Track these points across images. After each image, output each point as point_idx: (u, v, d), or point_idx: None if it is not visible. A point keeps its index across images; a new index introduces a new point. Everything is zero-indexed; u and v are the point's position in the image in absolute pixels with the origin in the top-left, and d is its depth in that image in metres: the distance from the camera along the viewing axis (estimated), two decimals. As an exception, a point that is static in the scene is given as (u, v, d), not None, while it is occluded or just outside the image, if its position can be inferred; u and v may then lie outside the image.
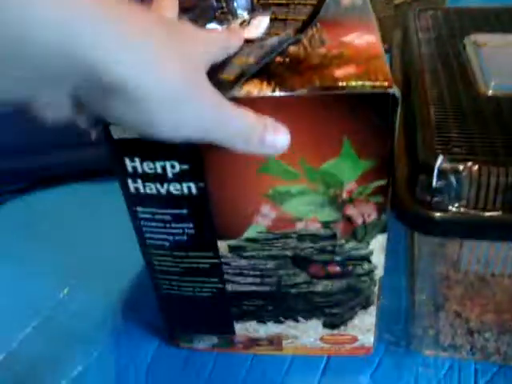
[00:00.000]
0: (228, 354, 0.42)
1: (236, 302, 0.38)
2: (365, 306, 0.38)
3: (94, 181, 0.62)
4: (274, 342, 0.41)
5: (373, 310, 0.38)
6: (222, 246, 0.35)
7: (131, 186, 0.33)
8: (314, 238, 0.34)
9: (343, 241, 0.34)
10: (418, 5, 0.79)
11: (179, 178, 0.32)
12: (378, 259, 0.35)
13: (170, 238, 0.34)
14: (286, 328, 0.39)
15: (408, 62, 0.43)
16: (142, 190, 0.33)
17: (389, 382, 0.39)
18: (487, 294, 0.42)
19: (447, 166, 0.30)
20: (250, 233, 0.34)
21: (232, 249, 0.35)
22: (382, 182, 0.31)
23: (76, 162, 0.62)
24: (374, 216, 0.32)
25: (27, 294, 0.49)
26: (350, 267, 0.35)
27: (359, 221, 0.33)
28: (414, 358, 0.41)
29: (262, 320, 0.39)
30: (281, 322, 0.39)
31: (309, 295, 0.37)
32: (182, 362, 0.42)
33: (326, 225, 0.33)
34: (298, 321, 0.39)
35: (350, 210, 0.32)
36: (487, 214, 0.30)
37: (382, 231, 0.33)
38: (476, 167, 0.30)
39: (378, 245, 0.34)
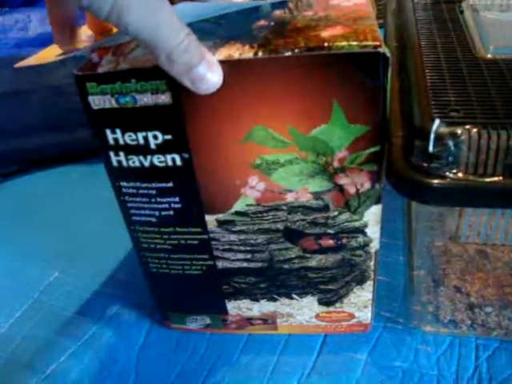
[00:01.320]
0: (221, 334, 0.41)
1: (227, 280, 0.37)
2: (361, 281, 0.36)
3: (84, 163, 0.60)
4: (269, 320, 0.39)
5: (369, 285, 0.36)
6: (210, 220, 0.33)
7: (113, 159, 0.31)
8: (306, 210, 0.32)
9: (336, 212, 0.32)
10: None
11: (163, 149, 0.30)
12: (374, 232, 0.33)
13: (156, 213, 0.33)
14: (280, 306, 0.38)
15: (403, 28, 0.42)
16: (124, 164, 0.31)
17: (387, 360, 0.38)
18: (488, 267, 0.41)
19: (444, 129, 0.29)
20: (238, 206, 0.32)
21: (220, 223, 0.33)
22: (375, 149, 0.29)
23: (65, 143, 0.60)
24: (367, 185, 0.31)
25: (17, 277, 0.48)
26: (344, 240, 0.34)
27: (352, 191, 0.31)
28: (413, 335, 0.40)
29: (254, 298, 0.38)
30: (274, 300, 0.38)
31: (302, 271, 0.36)
32: (175, 343, 0.41)
33: (317, 196, 0.31)
34: (292, 298, 0.38)
35: (342, 180, 0.31)
36: (487, 179, 0.29)
37: (377, 202, 0.32)
38: (475, 130, 0.29)
39: (372, 216, 0.33)
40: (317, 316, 0.39)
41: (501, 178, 0.29)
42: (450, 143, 0.29)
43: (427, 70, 0.34)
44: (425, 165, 0.29)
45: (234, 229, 0.34)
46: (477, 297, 0.40)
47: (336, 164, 0.30)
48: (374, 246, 0.34)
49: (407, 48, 0.38)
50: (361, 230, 0.33)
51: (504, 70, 0.34)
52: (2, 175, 0.61)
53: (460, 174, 0.29)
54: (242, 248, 0.35)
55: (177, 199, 0.32)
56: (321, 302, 0.38)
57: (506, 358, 0.37)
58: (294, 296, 0.38)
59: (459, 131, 0.29)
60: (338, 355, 0.39)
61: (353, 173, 0.30)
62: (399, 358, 0.38)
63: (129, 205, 0.33)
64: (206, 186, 0.31)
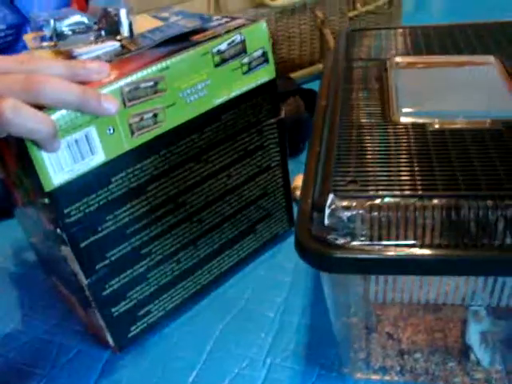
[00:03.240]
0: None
1: None
2: (87, 305, 0.41)
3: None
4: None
5: (95, 312, 0.41)
6: None
7: None
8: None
9: None
10: (372, 18, 0.78)
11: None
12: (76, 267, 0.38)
13: None
14: None
15: (330, 88, 0.42)
16: None
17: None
18: (419, 314, 0.42)
19: (338, 203, 0.30)
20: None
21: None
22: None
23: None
24: (50, 227, 0.37)
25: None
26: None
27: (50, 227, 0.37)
28: (346, 382, 0.40)
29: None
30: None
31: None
32: None
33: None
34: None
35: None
36: (382, 249, 0.30)
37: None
38: (367, 204, 0.30)
39: (69, 255, 0.38)
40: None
41: (394, 248, 0.29)
42: (344, 216, 0.30)
43: (337, 138, 0.35)
44: (323, 236, 0.30)
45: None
46: (408, 343, 0.40)
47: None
48: (82, 279, 0.39)
49: (327, 112, 0.39)
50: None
51: (411, 136, 0.34)
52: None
53: (356, 244, 0.30)
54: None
55: None
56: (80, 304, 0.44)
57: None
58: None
59: (352, 204, 0.30)
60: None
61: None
62: (330, 406, 0.39)
63: None
64: None
